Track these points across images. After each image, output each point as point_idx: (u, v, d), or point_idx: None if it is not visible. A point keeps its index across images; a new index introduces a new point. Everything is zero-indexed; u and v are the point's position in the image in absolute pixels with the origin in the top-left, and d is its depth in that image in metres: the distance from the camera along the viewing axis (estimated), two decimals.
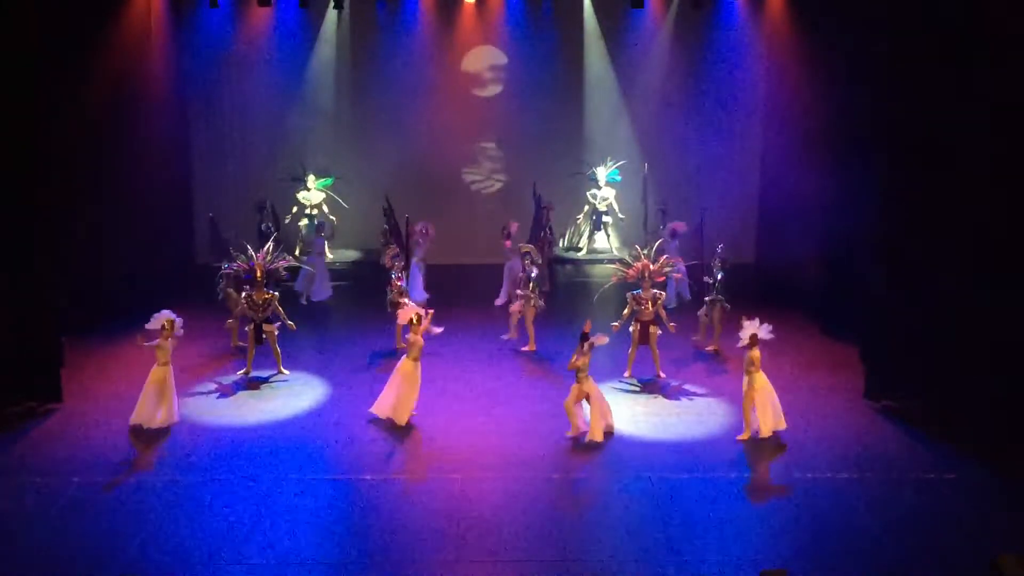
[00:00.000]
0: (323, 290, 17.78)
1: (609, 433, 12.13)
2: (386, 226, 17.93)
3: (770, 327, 12.10)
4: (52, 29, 13.20)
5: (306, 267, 17.38)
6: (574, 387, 11.96)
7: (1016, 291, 12.21)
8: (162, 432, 12.19)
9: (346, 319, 17.18)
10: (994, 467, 11.37)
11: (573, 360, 11.86)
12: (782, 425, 12.08)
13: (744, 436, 12.08)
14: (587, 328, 11.94)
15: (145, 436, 12.08)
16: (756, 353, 11.98)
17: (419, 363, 12.46)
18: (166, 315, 12.44)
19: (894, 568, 9.50)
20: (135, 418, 12.24)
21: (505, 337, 15.33)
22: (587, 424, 12.04)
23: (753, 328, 12.05)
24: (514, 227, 17.42)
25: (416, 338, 12.42)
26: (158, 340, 12.23)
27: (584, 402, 12.07)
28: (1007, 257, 12.20)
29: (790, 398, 13.45)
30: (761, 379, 11.99)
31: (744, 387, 12.07)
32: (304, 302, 17.39)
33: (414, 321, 12.48)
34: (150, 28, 17.57)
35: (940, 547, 9.79)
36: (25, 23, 12.37)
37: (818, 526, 10.18)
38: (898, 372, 13.01)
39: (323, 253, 18.00)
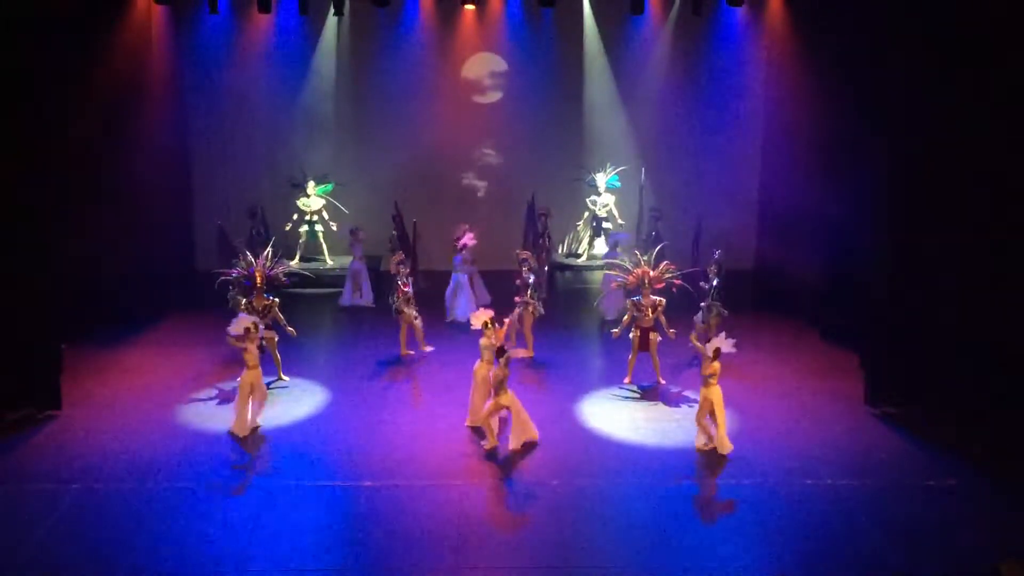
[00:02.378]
0: (349, 297, 17.87)
1: (532, 444, 11.99)
2: (394, 232, 17.94)
3: (734, 340, 11.99)
4: (53, 34, 13.20)
5: (306, 272, 17.42)
6: (492, 401, 11.88)
7: (1016, 297, 12.22)
8: (165, 439, 12.20)
9: (347, 325, 17.17)
10: (995, 474, 11.37)
11: (496, 373, 11.82)
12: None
13: (703, 445, 11.99)
14: (504, 344, 11.97)
15: (144, 443, 12.08)
16: (717, 365, 11.90)
17: (492, 366, 12.46)
18: (245, 319, 12.57)
19: (895, 575, 9.50)
20: (237, 430, 12.27)
21: (523, 355, 15.14)
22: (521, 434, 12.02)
23: (719, 342, 11.93)
24: (468, 237, 17.10)
25: (486, 341, 12.49)
26: (247, 344, 12.31)
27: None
28: (1007, 264, 12.21)
29: (790, 404, 13.50)
30: (719, 392, 11.93)
31: (701, 399, 11.97)
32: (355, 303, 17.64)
33: (488, 326, 12.51)
34: (150, 34, 17.58)
35: (941, 554, 9.79)
36: (26, 28, 12.39)
37: (818, 533, 10.17)
38: (898, 378, 13.01)
39: (361, 258, 18.01)
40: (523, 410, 12.07)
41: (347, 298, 17.94)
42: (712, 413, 11.84)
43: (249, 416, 12.39)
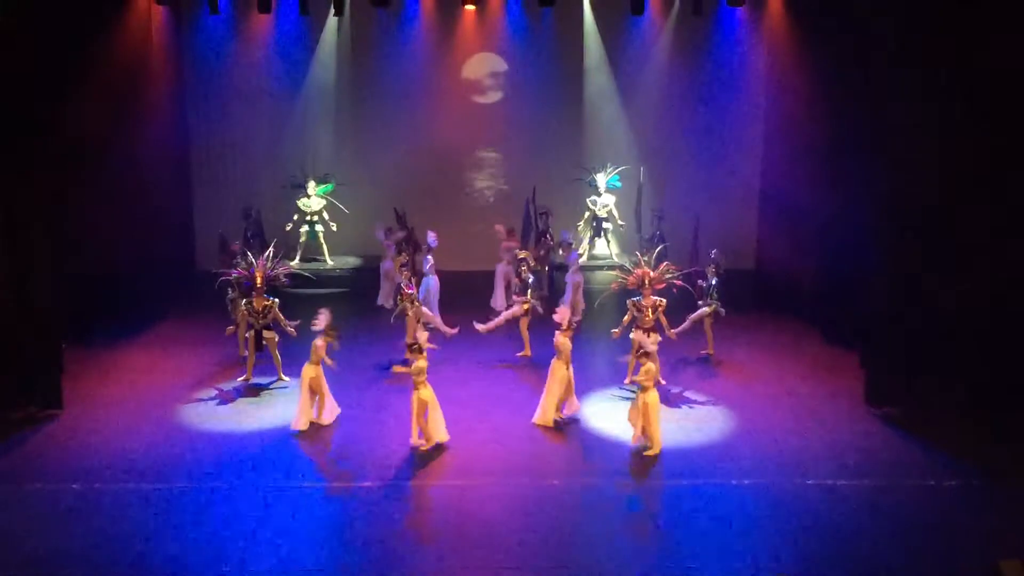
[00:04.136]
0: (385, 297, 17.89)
1: (441, 446, 11.93)
2: (399, 233, 17.92)
3: (659, 339, 12.41)
4: (53, 35, 13.21)
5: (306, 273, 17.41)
6: (415, 396, 11.79)
7: (1017, 298, 12.22)
8: (165, 439, 12.20)
9: (348, 326, 17.10)
10: (995, 474, 11.36)
11: (414, 368, 11.75)
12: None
13: (655, 451, 11.87)
14: (409, 339, 11.95)
15: (144, 443, 12.08)
16: (651, 367, 11.88)
17: (569, 364, 12.61)
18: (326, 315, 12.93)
19: (895, 575, 9.50)
20: (297, 424, 12.45)
21: (521, 355, 15.24)
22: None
23: (645, 341, 12.23)
24: (431, 237, 16.93)
25: (561, 340, 12.57)
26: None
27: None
28: (1007, 264, 12.22)
29: (791, 404, 13.50)
30: (655, 396, 11.89)
31: (639, 402, 11.85)
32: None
33: (563, 324, 12.64)
34: (151, 35, 17.59)
35: (941, 554, 9.79)
36: (27, 28, 12.39)
37: (819, 533, 10.16)
38: (899, 378, 13.00)
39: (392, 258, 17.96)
40: (439, 409, 11.98)
41: (383, 298, 17.87)
42: (644, 415, 11.79)
43: (313, 411, 12.54)
